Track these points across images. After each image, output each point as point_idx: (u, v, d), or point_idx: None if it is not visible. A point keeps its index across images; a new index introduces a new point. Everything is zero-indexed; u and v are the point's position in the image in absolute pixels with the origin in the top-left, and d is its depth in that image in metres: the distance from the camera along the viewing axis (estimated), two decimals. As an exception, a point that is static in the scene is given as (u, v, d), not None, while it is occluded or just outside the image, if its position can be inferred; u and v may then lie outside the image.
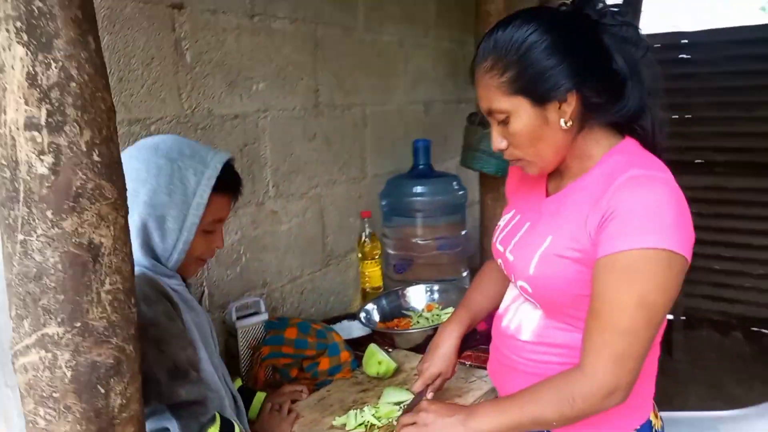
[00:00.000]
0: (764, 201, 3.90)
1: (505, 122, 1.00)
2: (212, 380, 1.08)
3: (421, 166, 2.08)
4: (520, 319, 1.12)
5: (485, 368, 1.43)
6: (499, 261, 1.17)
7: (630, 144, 1.02)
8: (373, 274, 2.03)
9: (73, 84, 0.67)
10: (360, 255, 2.04)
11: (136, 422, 0.79)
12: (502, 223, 1.20)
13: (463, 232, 2.18)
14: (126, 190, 0.76)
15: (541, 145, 1.00)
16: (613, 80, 0.98)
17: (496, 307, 1.24)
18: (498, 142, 1.03)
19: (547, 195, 1.11)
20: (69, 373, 0.72)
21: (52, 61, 0.65)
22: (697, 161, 3.96)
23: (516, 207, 1.19)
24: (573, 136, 1.00)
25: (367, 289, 2.03)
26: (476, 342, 1.59)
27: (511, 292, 1.19)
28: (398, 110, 2.31)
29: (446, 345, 1.27)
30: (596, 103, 0.98)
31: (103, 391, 0.74)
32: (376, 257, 2.03)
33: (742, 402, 3.10)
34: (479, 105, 1.06)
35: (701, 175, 4.03)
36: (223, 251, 1.58)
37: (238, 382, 1.38)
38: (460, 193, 2.13)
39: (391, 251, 2.13)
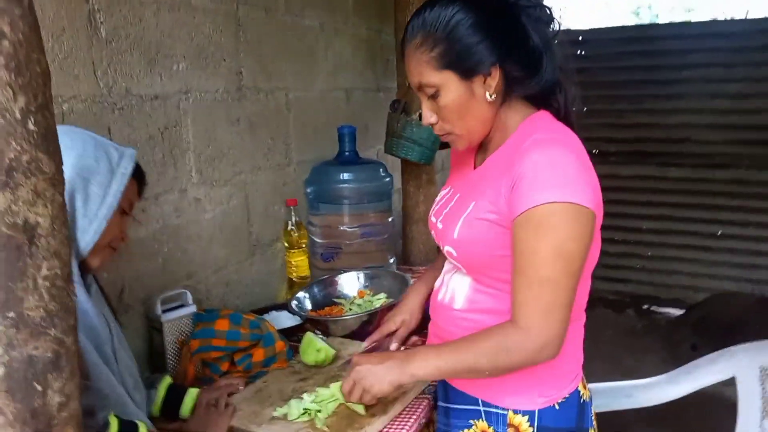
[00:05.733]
0: (651, 187, 4.26)
1: (434, 96, 1.07)
2: (107, 384, 1.02)
3: (347, 153, 2.06)
4: (452, 289, 1.18)
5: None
6: (432, 232, 1.25)
7: (542, 115, 1.10)
8: (300, 263, 1.99)
9: (6, 42, 0.59)
10: (286, 244, 1.99)
11: (75, 422, 0.72)
12: (438, 198, 1.27)
13: (390, 219, 2.19)
14: (63, 164, 0.69)
15: (469, 117, 1.07)
16: (531, 55, 1.05)
17: None
18: (428, 116, 1.10)
19: (475, 168, 1.18)
20: (1, 370, 0.64)
21: (-21, 16, 0.57)
22: (594, 151, 4.25)
23: (451, 183, 1.27)
24: (497, 108, 1.08)
25: (294, 279, 1.99)
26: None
27: (445, 268, 1.25)
28: (321, 97, 2.27)
29: (412, 298, 1.39)
30: (517, 77, 1.06)
31: (40, 388, 0.67)
32: (303, 246, 1.99)
33: (636, 372, 3.38)
34: (409, 80, 1.12)
35: (597, 164, 4.35)
36: (144, 242, 1.48)
37: (167, 380, 1.30)
38: (387, 180, 2.13)
39: (317, 239, 2.09)
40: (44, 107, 0.65)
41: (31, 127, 0.62)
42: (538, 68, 1.05)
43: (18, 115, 0.61)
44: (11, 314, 0.63)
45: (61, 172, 0.67)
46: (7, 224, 0.61)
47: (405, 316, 1.37)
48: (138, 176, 1.12)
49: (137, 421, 1.02)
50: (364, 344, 1.40)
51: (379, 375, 1.09)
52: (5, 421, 0.65)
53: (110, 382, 1.02)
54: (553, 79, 1.07)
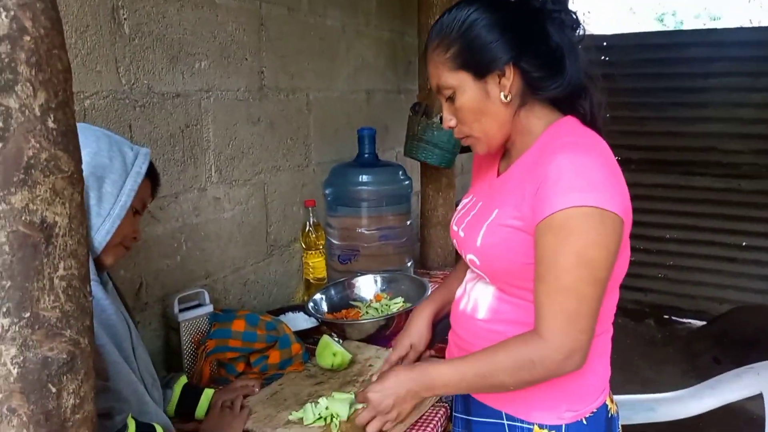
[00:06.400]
0: (674, 197, 4.19)
1: (452, 98, 1.06)
2: (126, 384, 1.02)
3: (366, 155, 2.04)
4: (475, 298, 1.14)
5: (441, 357, 1.43)
6: (454, 241, 1.21)
7: (569, 120, 1.06)
8: (317, 264, 1.97)
9: (27, 38, 0.58)
10: (303, 245, 1.98)
11: (90, 424, 0.71)
12: (460, 206, 1.24)
13: (408, 222, 2.16)
14: (82, 163, 0.67)
15: (485, 119, 1.05)
16: (551, 56, 1.02)
17: None
18: (448, 119, 1.09)
19: (498, 175, 1.15)
20: (15, 371, 0.62)
21: (2, 9, 0.56)
22: (616, 158, 4.19)
23: (473, 191, 1.24)
24: (514, 110, 1.05)
25: (311, 280, 1.97)
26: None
27: (467, 276, 1.22)
28: (341, 98, 2.25)
29: (419, 320, 1.32)
30: (535, 79, 1.02)
31: (54, 390, 0.65)
32: (320, 247, 1.98)
33: (656, 383, 3.32)
34: (430, 84, 1.11)
35: (619, 172, 4.30)
36: (162, 240, 1.47)
37: (183, 380, 1.29)
38: (406, 182, 2.11)
39: (335, 241, 2.07)
40: (64, 104, 0.63)
41: (51, 124, 0.61)
42: (559, 70, 1.02)
43: (37, 112, 0.60)
44: (26, 314, 0.62)
45: (80, 171, 0.66)
46: (24, 223, 0.60)
47: (413, 339, 1.30)
48: (152, 176, 1.12)
49: (155, 425, 1.01)
50: (373, 379, 1.33)
51: (393, 390, 1.06)
52: (19, 423, 0.64)
53: (130, 380, 1.02)
54: (578, 82, 1.04)
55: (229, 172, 1.69)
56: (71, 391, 0.67)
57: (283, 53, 1.88)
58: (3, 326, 0.61)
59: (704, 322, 4.06)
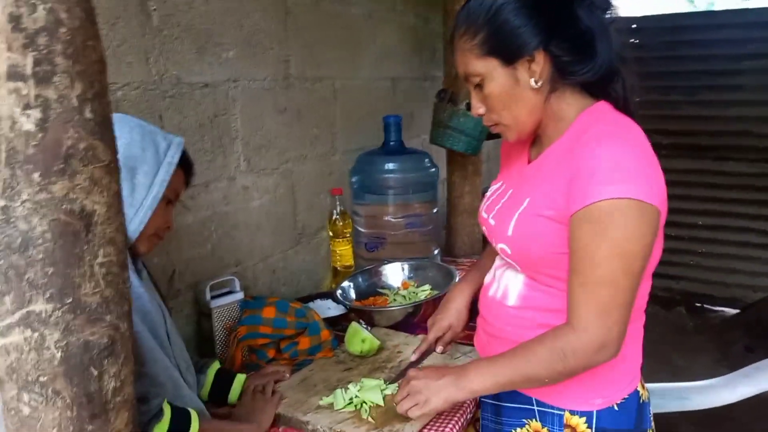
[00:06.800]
0: (707, 182, 4.09)
1: (480, 86, 1.04)
2: (162, 369, 1.04)
3: (392, 143, 2.04)
4: (505, 285, 1.14)
5: (469, 344, 1.43)
6: (484, 228, 1.20)
7: (602, 106, 1.04)
8: (344, 252, 1.99)
9: (63, 29, 0.59)
10: (330, 233, 1.99)
11: (129, 407, 0.73)
12: (489, 193, 1.23)
13: (435, 210, 2.16)
14: (117, 152, 0.69)
15: (515, 106, 1.03)
16: (582, 39, 1.00)
17: None
18: (477, 107, 1.08)
19: (529, 162, 1.13)
20: (59, 354, 0.64)
21: (39, 1, 0.58)
22: (648, 144, 4.11)
23: (503, 178, 1.23)
24: (545, 96, 1.03)
25: (338, 268, 1.99)
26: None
27: (496, 263, 1.21)
28: (366, 86, 2.25)
29: (458, 300, 1.32)
30: (566, 63, 1.00)
31: (96, 373, 0.67)
32: (347, 235, 1.99)
33: (687, 372, 3.27)
34: (458, 71, 1.09)
35: (650, 157, 4.22)
36: (193, 228, 1.50)
37: (216, 366, 1.32)
38: (432, 170, 2.10)
39: (361, 229, 2.08)
40: (100, 95, 0.65)
41: (88, 115, 0.63)
42: (590, 54, 1.00)
43: (75, 103, 0.61)
44: (69, 300, 0.64)
45: (116, 160, 0.68)
46: (65, 211, 0.62)
47: (452, 320, 1.30)
48: (185, 165, 1.13)
49: (190, 410, 1.03)
50: (413, 356, 1.32)
51: (435, 390, 1.06)
52: (63, 404, 0.66)
53: (165, 365, 1.04)
54: (609, 66, 1.01)
55: (257, 162, 1.71)
56: (112, 374, 0.69)
57: (308, 42, 1.88)
58: (46, 311, 0.63)
59: (737, 311, 3.97)
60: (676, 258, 4.21)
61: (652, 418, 1.15)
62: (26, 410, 0.66)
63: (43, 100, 0.59)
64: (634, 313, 1.02)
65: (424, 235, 2.10)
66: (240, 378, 1.30)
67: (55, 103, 0.60)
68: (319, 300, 1.81)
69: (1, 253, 0.62)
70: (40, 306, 0.63)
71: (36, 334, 0.64)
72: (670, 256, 4.17)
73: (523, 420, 1.13)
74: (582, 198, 0.93)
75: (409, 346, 1.47)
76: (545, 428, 1.10)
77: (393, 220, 2.05)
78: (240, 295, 1.48)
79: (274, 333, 1.44)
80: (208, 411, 1.19)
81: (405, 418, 1.14)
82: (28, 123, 0.59)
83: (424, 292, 1.73)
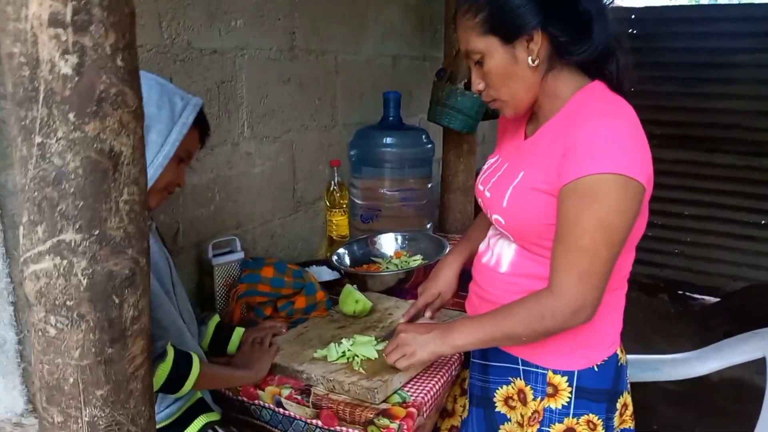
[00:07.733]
0: (695, 173, 4.17)
1: (480, 63, 1.09)
2: (166, 314, 1.09)
3: (391, 118, 2.10)
4: (498, 253, 1.20)
5: (459, 310, 1.50)
6: (479, 200, 1.25)
7: (596, 85, 1.09)
8: (340, 222, 2.05)
9: (100, -18, 0.65)
10: (328, 203, 2.05)
11: (145, 336, 0.80)
12: (485, 166, 1.28)
13: (429, 185, 2.23)
14: (142, 100, 0.75)
15: (513, 83, 1.08)
16: (579, 20, 1.04)
17: None
18: (476, 83, 1.12)
19: (525, 138, 1.18)
20: (85, 281, 0.71)
21: (79, -44, 0.63)
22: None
23: (499, 152, 1.27)
24: (542, 75, 1.07)
25: (334, 237, 2.06)
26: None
27: (490, 233, 1.27)
28: (367, 62, 2.30)
29: (448, 270, 1.37)
30: (563, 43, 1.04)
31: (117, 301, 0.74)
32: (344, 206, 2.05)
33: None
34: (460, 48, 1.13)
35: (641, 146, 4.28)
36: (198, 189, 1.56)
37: (216, 319, 1.39)
38: (429, 146, 2.16)
39: (357, 201, 2.15)
40: (130, 46, 0.70)
41: (119, 63, 0.68)
42: (587, 34, 1.04)
43: (108, 51, 0.67)
44: (96, 232, 0.70)
45: (142, 107, 0.74)
46: (95, 150, 0.68)
47: (442, 288, 1.36)
48: (201, 126, 1.15)
49: (191, 353, 1.10)
50: (402, 320, 1.37)
51: (422, 343, 1.14)
52: (87, 327, 0.72)
53: (170, 312, 1.10)
54: (605, 47, 1.06)
55: (260, 129, 1.77)
56: (131, 303, 0.75)
57: (314, 15, 1.93)
58: (75, 241, 0.69)
59: (718, 299, 4.08)
60: (661, 246, 4.30)
61: (628, 381, 1.23)
62: (53, 332, 0.72)
63: (80, 47, 0.65)
64: (616, 282, 1.08)
65: (418, 209, 2.17)
66: (239, 331, 1.37)
67: (90, 50, 0.66)
68: (314, 266, 1.87)
69: (36, 186, 0.68)
70: (69, 236, 0.69)
71: (65, 262, 0.70)
72: (656, 244, 4.26)
73: (509, 378, 1.21)
74: (572, 171, 0.98)
75: (399, 310, 1.55)
76: (529, 386, 1.17)
77: (388, 193, 2.11)
78: (240, 255, 1.55)
79: (272, 292, 1.51)
80: (208, 360, 1.25)
81: (394, 370, 1.22)
82: (66, 67, 0.65)
83: (416, 261, 1.80)
